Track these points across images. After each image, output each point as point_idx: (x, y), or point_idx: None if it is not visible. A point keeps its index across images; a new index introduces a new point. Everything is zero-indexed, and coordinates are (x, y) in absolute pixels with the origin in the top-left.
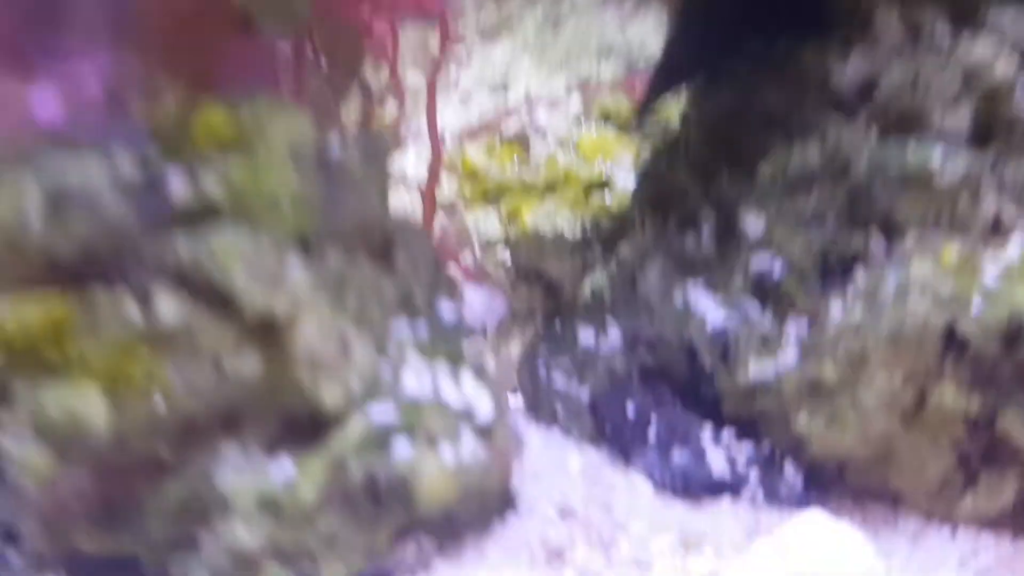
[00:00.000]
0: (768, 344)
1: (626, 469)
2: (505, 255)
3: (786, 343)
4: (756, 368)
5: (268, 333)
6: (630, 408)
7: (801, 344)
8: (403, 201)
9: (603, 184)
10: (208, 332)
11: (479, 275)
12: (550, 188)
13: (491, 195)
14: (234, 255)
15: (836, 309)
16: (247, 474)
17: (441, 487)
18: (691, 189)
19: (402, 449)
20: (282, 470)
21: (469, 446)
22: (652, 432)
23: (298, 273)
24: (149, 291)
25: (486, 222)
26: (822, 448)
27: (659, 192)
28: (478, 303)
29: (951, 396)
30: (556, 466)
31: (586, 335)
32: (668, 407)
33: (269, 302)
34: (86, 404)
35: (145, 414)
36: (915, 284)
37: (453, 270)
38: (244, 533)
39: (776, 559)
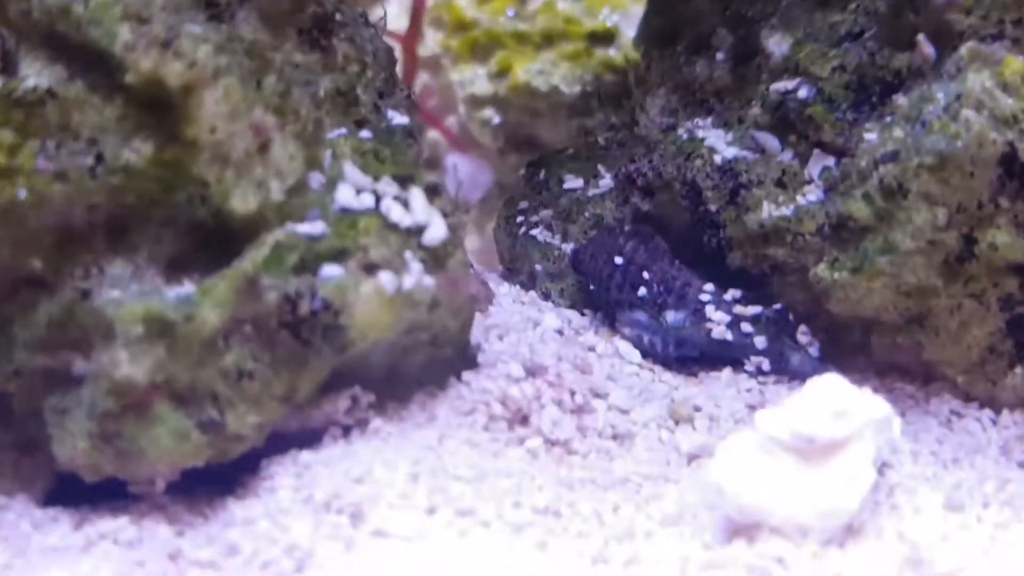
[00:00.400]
0: (788, 181)
1: (611, 334)
2: (494, 118)
3: (809, 180)
4: (771, 209)
5: (160, 111)
6: (618, 262)
7: (826, 181)
8: None
9: (608, 35)
10: (85, 106)
11: (464, 142)
12: (547, 40)
13: (480, 48)
14: (116, 7)
15: (871, 137)
16: (134, 295)
17: (377, 318)
18: (706, 9)
19: (331, 270)
20: (180, 291)
21: (415, 274)
22: (643, 290)
23: (199, 34)
24: (12, 53)
25: (474, 80)
26: (845, 305)
27: (669, 20)
28: (462, 173)
29: (1006, 240)
30: (528, 324)
31: (573, 182)
32: (663, 261)
33: (160, 67)
34: None
35: (5, 204)
36: (968, 100)
37: (435, 134)
38: (128, 363)
39: (781, 428)
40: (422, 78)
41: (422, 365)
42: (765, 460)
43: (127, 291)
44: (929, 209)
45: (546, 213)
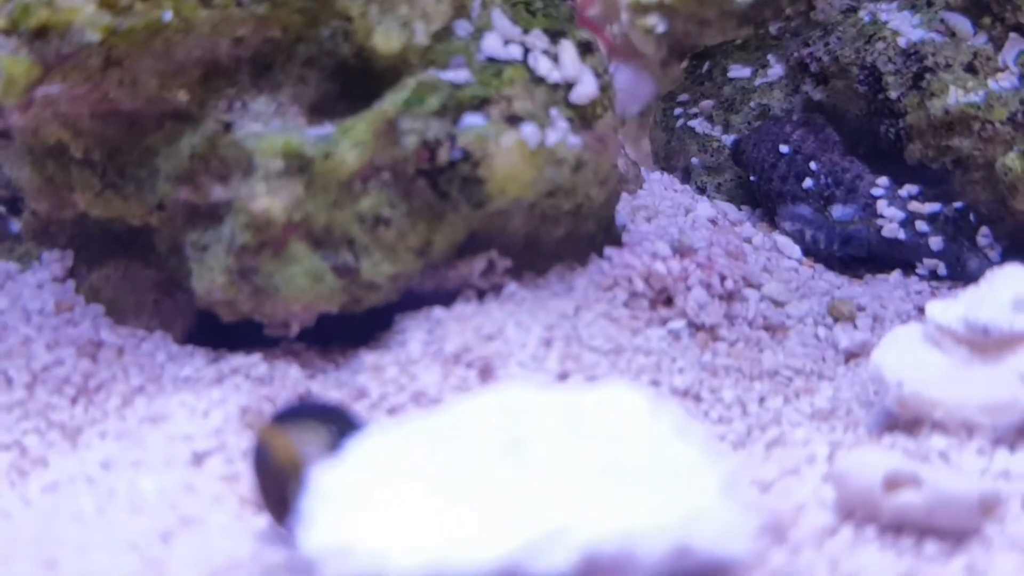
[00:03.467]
0: (979, 66)
1: (771, 228)
2: (659, 25)
3: (1003, 66)
4: (959, 94)
5: None
6: (784, 151)
7: (1023, 66)
8: None
9: None
10: None
11: (626, 51)
12: None
13: None
14: None
15: None
16: (276, 130)
17: (517, 173)
18: None
19: (472, 119)
20: (320, 130)
21: (560, 130)
22: (809, 181)
23: None
24: None
25: None
26: None
27: None
28: (622, 83)
29: None
30: (679, 210)
31: (739, 71)
32: (833, 152)
33: None
34: (75, 8)
35: (151, 25)
36: None
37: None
38: (266, 197)
39: (953, 317)
40: None
41: (563, 238)
42: (933, 352)
43: (268, 126)
44: None
45: (707, 103)
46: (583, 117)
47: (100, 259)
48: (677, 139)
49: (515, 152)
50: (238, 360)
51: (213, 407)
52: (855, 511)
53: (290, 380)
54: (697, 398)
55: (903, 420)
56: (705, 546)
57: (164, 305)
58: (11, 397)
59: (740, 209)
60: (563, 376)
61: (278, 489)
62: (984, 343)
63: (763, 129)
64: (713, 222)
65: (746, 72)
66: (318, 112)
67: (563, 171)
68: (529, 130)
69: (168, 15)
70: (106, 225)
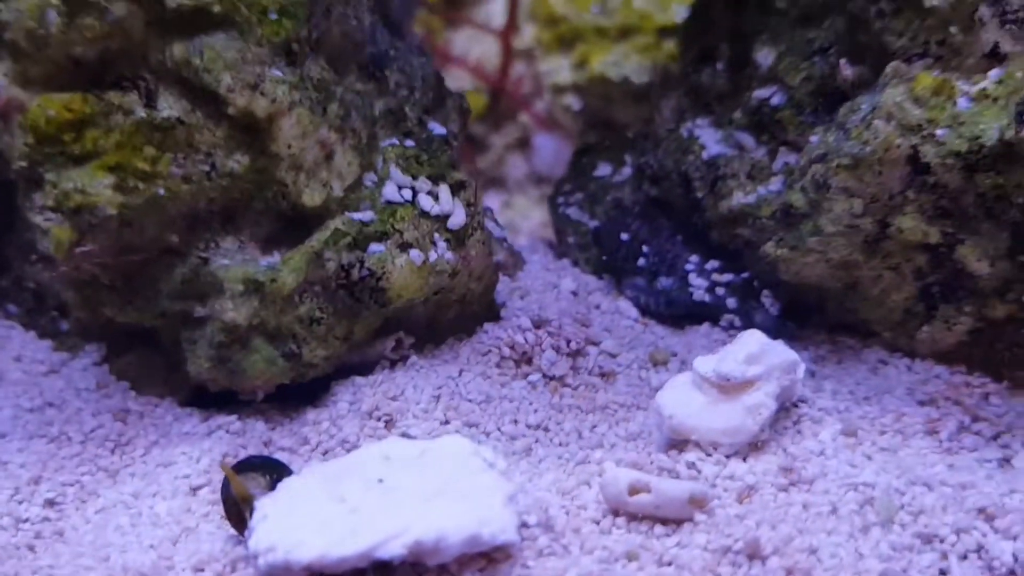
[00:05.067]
0: (755, 174)
1: (617, 296)
2: (575, 103)
3: (773, 173)
4: (740, 196)
5: (253, 133)
6: (624, 238)
7: (785, 173)
8: (481, 49)
9: (676, 29)
10: (201, 130)
11: (550, 123)
12: (623, 33)
13: (565, 41)
14: (220, 59)
15: (814, 139)
16: (238, 262)
17: (409, 283)
18: (717, 23)
19: (375, 247)
20: (270, 260)
21: (440, 250)
22: (642, 260)
23: (279, 77)
24: (153, 91)
25: (558, 70)
26: (790, 274)
27: (694, 29)
28: (548, 151)
29: (912, 225)
30: (548, 287)
31: (602, 169)
32: (661, 237)
33: (251, 103)
34: (98, 187)
35: (150, 198)
36: (882, 110)
37: (525, 117)
38: (233, 311)
39: (708, 369)
40: (517, 68)
41: (454, 318)
42: (695, 393)
43: (233, 259)
44: (847, 200)
45: (579, 196)
46: (458, 238)
47: (125, 349)
48: (560, 222)
49: (407, 269)
50: (221, 419)
51: (204, 454)
52: (613, 508)
53: (257, 432)
54: (546, 429)
55: (675, 441)
56: (488, 537)
57: (170, 380)
58: (72, 450)
59: (601, 279)
60: (445, 422)
61: (238, 512)
62: (727, 387)
63: (613, 219)
64: (574, 293)
65: (607, 170)
66: (270, 244)
67: (443, 278)
68: (415, 253)
69: (161, 191)
70: (127, 327)
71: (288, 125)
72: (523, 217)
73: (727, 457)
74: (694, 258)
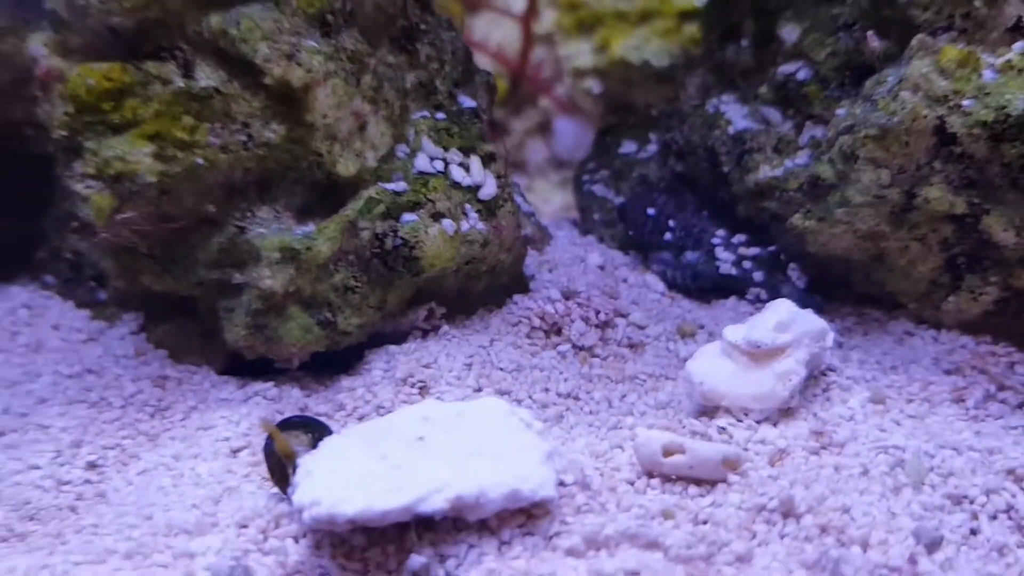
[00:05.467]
0: (782, 147)
1: (644, 269)
2: (595, 87)
3: (800, 147)
4: (767, 170)
5: (289, 103)
6: (651, 212)
7: (811, 147)
8: (501, 34)
9: (696, 13)
10: (238, 100)
11: (570, 107)
12: (643, 17)
13: (586, 26)
14: (257, 30)
15: (841, 112)
16: (274, 231)
17: (441, 252)
18: (741, 1)
19: (408, 217)
20: (305, 229)
21: (471, 220)
22: (669, 235)
23: (314, 47)
24: (191, 62)
25: (579, 54)
26: (816, 246)
27: (718, 6)
28: (568, 134)
29: (939, 195)
30: (575, 261)
31: (627, 147)
32: (687, 212)
33: (287, 73)
34: (138, 155)
35: (188, 167)
36: (908, 82)
37: (546, 102)
38: (270, 278)
39: (738, 337)
40: (538, 52)
41: (484, 289)
42: (726, 361)
43: (269, 228)
44: (875, 170)
45: (604, 172)
46: (488, 209)
47: (163, 318)
48: (585, 200)
49: (439, 238)
50: (258, 386)
51: (243, 418)
52: (647, 470)
53: (293, 399)
54: (576, 398)
55: (706, 407)
56: (527, 493)
57: (207, 349)
58: (112, 415)
59: (627, 254)
60: (478, 390)
61: (281, 470)
62: (757, 354)
63: (639, 195)
64: (601, 267)
65: (632, 147)
66: (304, 214)
67: (475, 248)
68: (447, 223)
69: (199, 160)
70: (165, 295)
71: (323, 95)
72: (544, 201)
73: (758, 422)
74: (720, 232)
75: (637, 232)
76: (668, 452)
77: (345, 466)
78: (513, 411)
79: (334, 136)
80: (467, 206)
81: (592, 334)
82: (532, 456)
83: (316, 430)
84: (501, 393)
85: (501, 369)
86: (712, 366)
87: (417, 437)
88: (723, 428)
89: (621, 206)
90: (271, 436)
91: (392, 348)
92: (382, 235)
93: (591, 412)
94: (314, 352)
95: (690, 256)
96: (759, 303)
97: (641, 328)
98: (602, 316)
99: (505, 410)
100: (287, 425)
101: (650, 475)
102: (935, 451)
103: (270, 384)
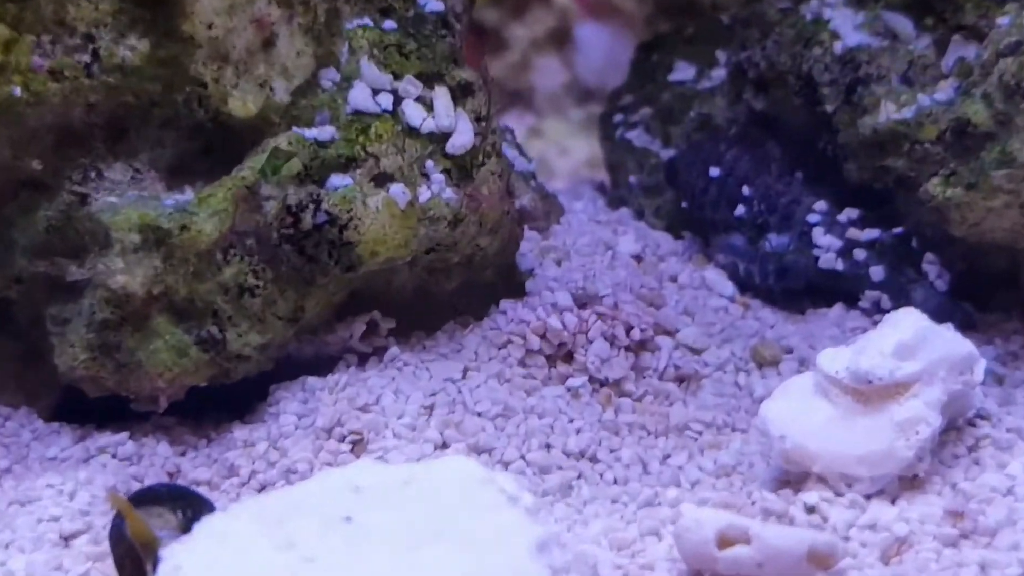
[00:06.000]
0: (914, 76)
1: (702, 262)
2: None
3: (942, 75)
4: (891, 110)
5: (156, 5)
6: (714, 173)
7: (959, 74)
8: None
9: None
10: (78, 1)
11: (602, 7)
12: None
13: None
14: None
15: (1003, 21)
16: (131, 201)
17: (388, 234)
18: None
19: (338, 180)
20: (179, 198)
21: (434, 185)
22: (742, 208)
23: None
24: None
25: None
26: (965, 227)
27: None
28: (597, 47)
29: None
30: (598, 247)
31: (683, 71)
32: (770, 173)
33: None
34: None
35: (2, 104)
36: None
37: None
38: (124, 273)
39: (839, 366)
40: None
41: (457, 291)
42: (821, 402)
43: (124, 196)
44: None
45: (646, 111)
46: (462, 169)
47: None
48: (617, 152)
49: (385, 213)
50: (105, 438)
51: (80, 488)
52: (694, 568)
53: (159, 458)
54: (594, 459)
55: (791, 474)
56: None
57: (28, 379)
58: None
59: (681, 238)
60: (443, 446)
61: (135, 565)
62: (868, 392)
63: (696, 146)
64: (638, 257)
65: (691, 72)
66: (179, 174)
67: (440, 228)
68: (398, 190)
69: (16, 90)
70: None
71: None
72: (560, 150)
73: (866, 497)
74: (820, 204)
75: (694, 204)
76: (727, 541)
77: (232, 560)
78: (491, 478)
79: (224, 56)
80: (429, 164)
81: (620, 361)
82: (516, 546)
83: (190, 506)
84: (478, 451)
85: (479, 414)
86: (800, 411)
87: (343, 517)
88: (813, 506)
89: (671, 163)
90: (122, 515)
91: (312, 381)
92: (297, 208)
93: (615, 481)
94: (192, 387)
95: (774, 241)
96: (877, 314)
97: (696, 352)
98: (636, 334)
99: (479, 476)
100: (147, 499)
101: (696, 574)
102: None
103: (124, 436)
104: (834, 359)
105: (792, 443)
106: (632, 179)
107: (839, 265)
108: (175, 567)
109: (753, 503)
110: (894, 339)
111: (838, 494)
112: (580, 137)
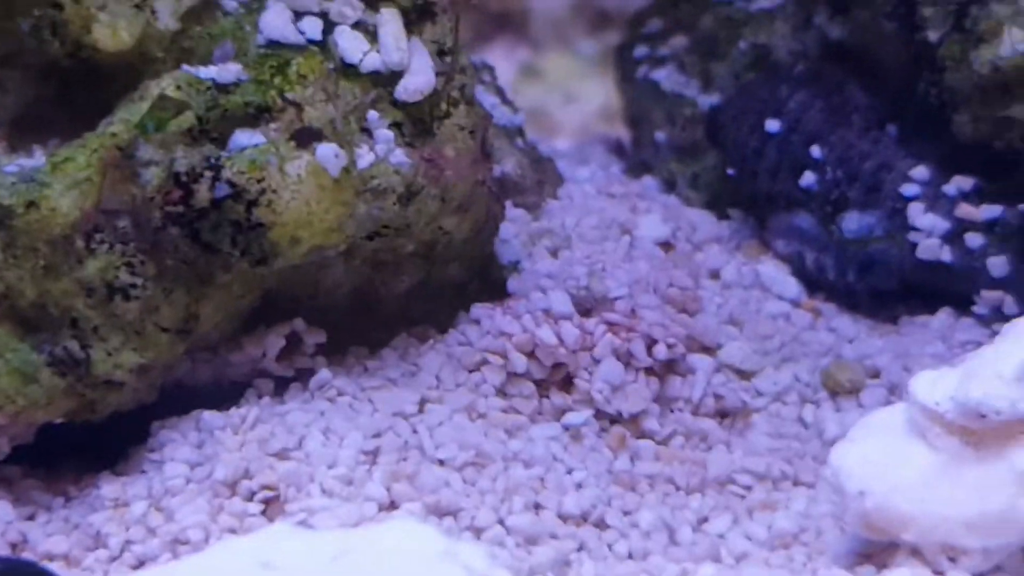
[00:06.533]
0: None
1: (759, 249)
2: None
3: None
4: (1020, 37)
5: None
6: (773, 128)
7: None
8: None
9: None
10: None
11: None
12: None
13: None
14: None
15: None
16: None
17: (315, 212)
18: None
19: (245, 138)
20: (26, 164)
21: (380, 145)
22: (810, 176)
23: None
24: None
25: None
26: None
27: None
28: None
29: None
30: (610, 230)
31: None
32: (849, 127)
33: None
34: None
35: None
36: None
37: None
38: None
39: (942, 396)
40: None
41: (412, 292)
42: (915, 445)
43: None
44: None
45: (679, 41)
46: (417, 121)
47: None
48: (640, 98)
49: (309, 184)
50: None
51: None
52: None
53: None
54: (601, 524)
55: (873, 543)
56: None
57: None
58: None
59: (728, 216)
60: (390, 505)
61: None
62: (980, 431)
63: (748, 91)
64: (665, 245)
65: None
66: (24, 130)
67: (387, 204)
68: (328, 151)
69: None
70: None
71: None
72: (564, 96)
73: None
74: (920, 171)
75: (744, 170)
76: None
77: None
78: (454, 551)
79: None
80: (372, 115)
81: (639, 389)
82: None
83: None
84: (438, 513)
85: (440, 463)
86: (888, 458)
87: None
88: None
89: (713, 114)
90: None
91: (210, 418)
92: (189, 177)
93: (630, 555)
94: (44, 424)
95: (855, 222)
96: (997, 322)
97: (745, 377)
98: (661, 351)
99: (437, 549)
100: None
101: None
102: None
103: None
104: (935, 386)
105: (875, 502)
106: (659, 136)
107: (946, 255)
108: None
109: None
110: (1018, 358)
111: (937, 572)
112: (590, 76)
